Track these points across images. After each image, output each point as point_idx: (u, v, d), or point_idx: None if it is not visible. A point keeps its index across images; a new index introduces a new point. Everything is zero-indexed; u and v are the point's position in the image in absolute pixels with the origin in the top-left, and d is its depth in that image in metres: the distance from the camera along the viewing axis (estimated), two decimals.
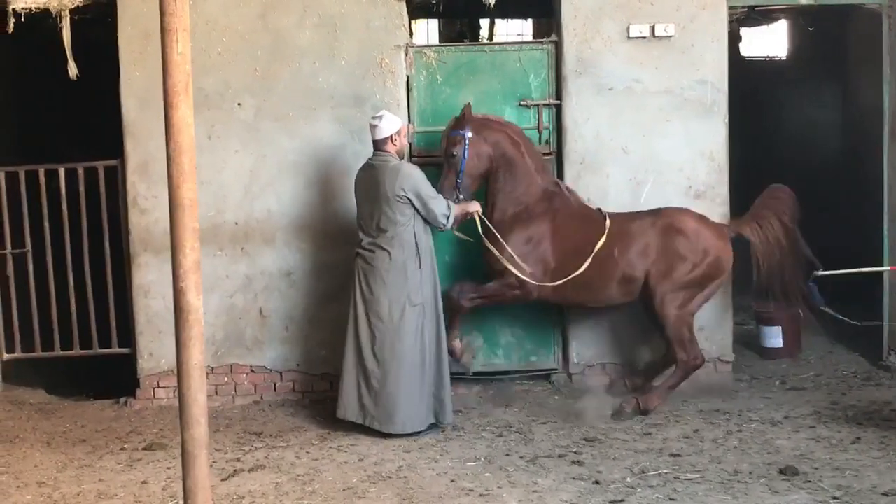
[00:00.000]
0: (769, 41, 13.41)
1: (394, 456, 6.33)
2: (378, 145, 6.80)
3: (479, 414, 7.20)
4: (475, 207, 7.07)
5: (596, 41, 7.59)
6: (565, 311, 7.73)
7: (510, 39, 13.91)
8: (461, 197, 7.03)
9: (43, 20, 7.55)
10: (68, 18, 7.49)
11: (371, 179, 6.77)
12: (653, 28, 7.56)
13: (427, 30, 14.74)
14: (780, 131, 11.73)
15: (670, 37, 7.57)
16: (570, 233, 7.13)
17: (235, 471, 6.09)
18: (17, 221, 7.65)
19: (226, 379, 7.74)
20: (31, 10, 7.45)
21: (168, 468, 6.18)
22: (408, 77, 7.67)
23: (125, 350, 7.79)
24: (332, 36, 7.60)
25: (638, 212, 7.30)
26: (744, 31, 11.98)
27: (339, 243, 7.41)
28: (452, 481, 5.81)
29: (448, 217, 6.74)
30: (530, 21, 13.85)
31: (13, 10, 7.41)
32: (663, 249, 7.01)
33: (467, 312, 7.21)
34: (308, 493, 5.68)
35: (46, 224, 7.63)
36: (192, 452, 3.85)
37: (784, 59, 13.03)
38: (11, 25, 7.43)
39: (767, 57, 13.25)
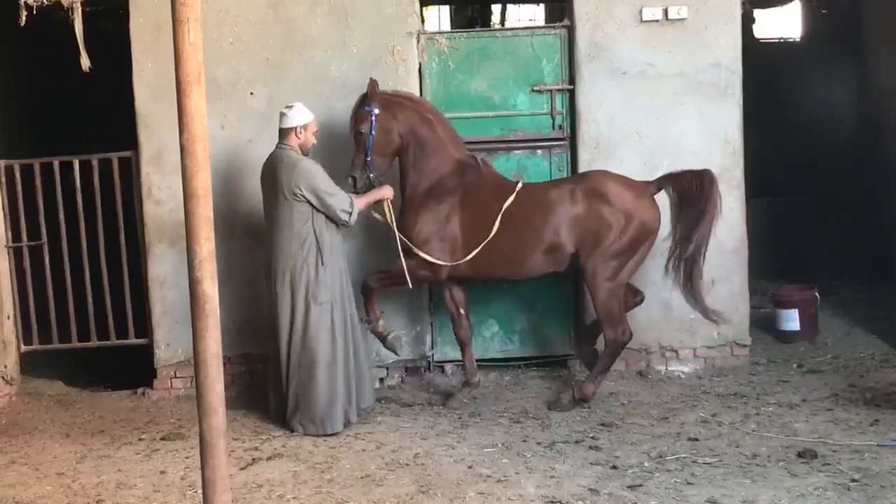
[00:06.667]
0: (783, 23, 13.33)
1: (411, 443, 6.34)
2: (281, 135, 6.65)
3: (496, 400, 7.21)
4: (386, 194, 6.89)
5: (609, 25, 7.56)
6: (580, 296, 7.73)
7: (522, 25, 13.87)
8: (372, 175, 6.87)
9: (55, 13, 7.55)
10: (80, 10, 7.49)
11: (269, 175, 6.62)
12: (666, 11, 7.52)
13: (439, 16, 14.74)
14: (794, 113, 11.66)
15: (683, 19, 7.53)
16: (480, 206, 6.88)
17: (254, 459, 6.12)
18: (32, 214, 7.68)
19: (242, 368, 7.76)
20: (42, 2, 7.45)
21: (186, 458, 6.21)
22: (420, 64, 7.65)
23: (142, 340, 7.81)
24: (344, 24, 7.59)
25: (559, 179, 7.15)
26: (757, 13, 11.90)
27: (353, 231, 7.38)
28: (470, 467, 5.82)
29: (350, 213, 6.56)
30: (542, 6, 13.82)
31: (25, 2, 7.42)
32: (586, 215, 6.76)
33: (375, 293, 7.01)
34: (326, 481, 5.70)
35: (62, 216, 7.64)
36: (210, 441, 3.86)
37: (798, 40, 12.95)
38: (24, 18, 7.43)
39: (781, 39, 13.17)
